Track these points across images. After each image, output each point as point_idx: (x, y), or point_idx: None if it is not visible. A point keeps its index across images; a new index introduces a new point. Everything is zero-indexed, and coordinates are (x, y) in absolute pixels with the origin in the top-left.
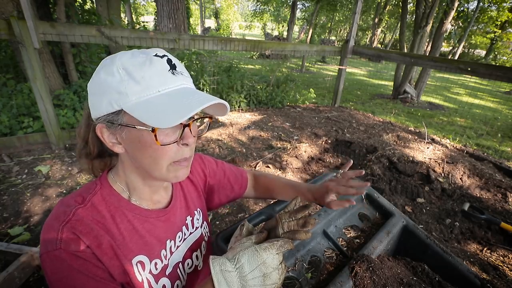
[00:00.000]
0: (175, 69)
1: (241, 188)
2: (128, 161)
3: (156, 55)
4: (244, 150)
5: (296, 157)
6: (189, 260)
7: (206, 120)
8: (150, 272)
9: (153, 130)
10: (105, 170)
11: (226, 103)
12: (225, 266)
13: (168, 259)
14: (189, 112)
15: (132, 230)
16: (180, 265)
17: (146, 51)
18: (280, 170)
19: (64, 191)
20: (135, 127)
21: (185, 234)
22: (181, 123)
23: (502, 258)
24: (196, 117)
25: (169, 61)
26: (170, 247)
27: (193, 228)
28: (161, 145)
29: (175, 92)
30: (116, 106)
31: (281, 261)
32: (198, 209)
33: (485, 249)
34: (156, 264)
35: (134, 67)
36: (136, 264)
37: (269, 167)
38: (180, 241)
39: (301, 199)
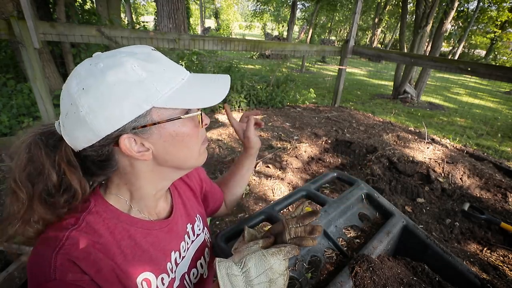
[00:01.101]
0: None
1: (221, 198)
2: (146, 167)
3: (152, 50)
4: None
5: (296, 157)
6: (194, 270)
7: None
8: None
9: (200, 113)
10: (96, 186)
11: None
12: (231, 269)
13: (175, 272)
14: (225, 88)
15: (134, 247)
16: (186, 276)
17: (131, 49)
18: (280, 170)
19: None
20: (180, 118)
21: (187, 244)
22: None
23: (502, 258)
24: None
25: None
26: (175, 258)
27: (194, 235)
28: (202, 127)
29: (193, 77)
30: (146, 105)
31: (287, 267)
32: (197, 215)
33: (485, 249)
34: (162, 279)
35: (147, 62)
36: (141, 283)
37: (269, 167)
38: (184, 251)
39: (308, 204)
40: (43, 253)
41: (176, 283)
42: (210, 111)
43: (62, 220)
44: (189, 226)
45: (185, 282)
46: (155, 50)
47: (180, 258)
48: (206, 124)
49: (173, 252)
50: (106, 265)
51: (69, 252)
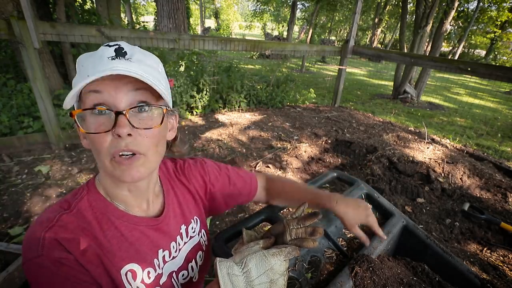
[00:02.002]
0: (124, 56)
1: (250, 193)
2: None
3: (107, 45)
4: (244, 150)
5: (296, 157)
6: (184, 271)
7: (149, 108)
8: (143, 281)
9: (71, 114)
10: (94, 175)
11: (148, 80)
12: (232, 269)
13: (162, 268)
14: (81, 83)
15: (121, 238)
16: (175, 274)
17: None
18: (280, 170)
19: (64, 191)
20: (75, 119)
21: (179, 245)
22: (113, 111)
23: (502, 258)
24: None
25: (118, 49)
26: (163, 256)
27: (187, 237)
28: (86, 133)
29: (100, 75)
30: (71, 100)
31: (287, 268)
32: (195, 217)
33: (485, 249)
34: (149, 272)
35: (84, 59)
36: (126, 274)
37: (269, 167)
38: (175, 252)
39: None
40: (35, 231)
41: (163, 279)
42: (210, 111)
43: (58, 203)
44: (183, 227)
45: (172, 280)
46: (106, 46)
47: (169, 257)
48: (117, 135)
49: (161, 251)
50: (91, 249)
51: (57, 232)
